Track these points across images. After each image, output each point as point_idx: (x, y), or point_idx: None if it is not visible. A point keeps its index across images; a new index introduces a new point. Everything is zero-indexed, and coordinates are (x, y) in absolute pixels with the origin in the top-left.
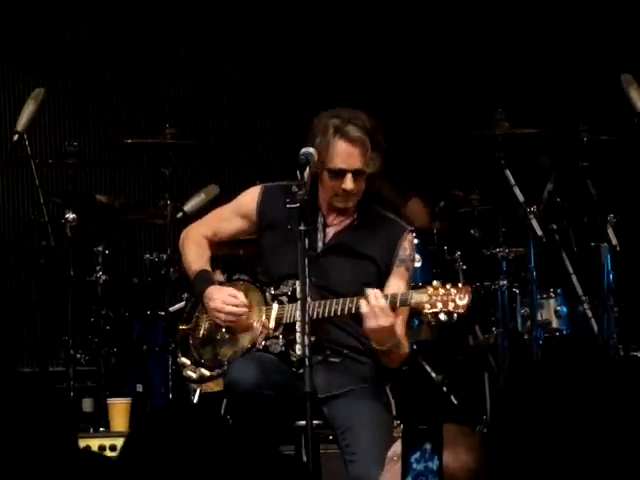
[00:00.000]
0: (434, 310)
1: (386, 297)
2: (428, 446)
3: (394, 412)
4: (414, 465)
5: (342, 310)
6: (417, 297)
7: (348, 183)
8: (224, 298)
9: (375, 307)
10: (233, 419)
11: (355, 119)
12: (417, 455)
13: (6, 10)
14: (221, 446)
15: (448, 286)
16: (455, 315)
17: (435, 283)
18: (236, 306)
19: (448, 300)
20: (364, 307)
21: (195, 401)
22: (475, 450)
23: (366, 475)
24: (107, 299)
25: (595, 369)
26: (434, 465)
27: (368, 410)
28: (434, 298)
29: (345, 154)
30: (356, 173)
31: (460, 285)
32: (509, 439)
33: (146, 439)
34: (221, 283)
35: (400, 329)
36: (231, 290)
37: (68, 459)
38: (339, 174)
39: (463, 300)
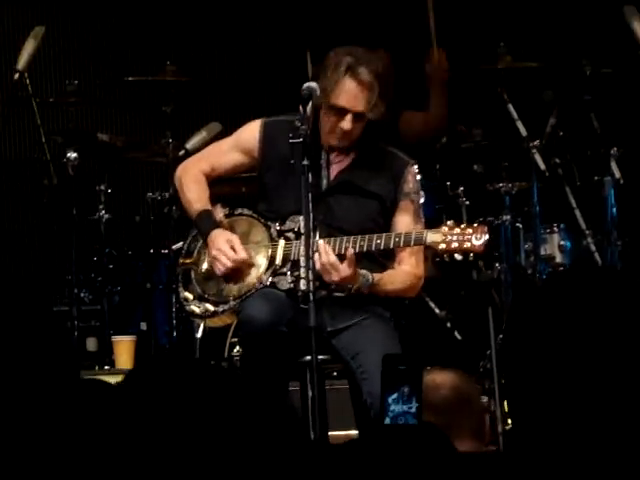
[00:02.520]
0: (449, 249)
1: (400, 236)
2: (406, 389)
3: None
4: (392, 406)
5: (353, 249)
6: (432, 237)
7: (346, 123)
8: (225, 250)
9: (325, 264)
10: (246, 355)
11: (369, 62)
12: (395, 396)
13: None
14: (224, 393)
15: (463, 225)
16: (471, 255)
17: (450, 223)
18: (232, 260)
19: (464, 240)
20: (317, 264)
21: (199, 336)
22: (459, 373)
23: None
24: (110, 238)
25: (600, 294)
26: (413, 407)
27: (376, 333)
28: (449, 237)
29: (351, 94)
30: (357, 116)
31: (476, 225)
32: (519, 367)
33: (149, 375)
34: (220, 221)
35: (412, 263)
36: (233, 241)
37: (70, 388)
38: (340, 112)
39: (480, 240)
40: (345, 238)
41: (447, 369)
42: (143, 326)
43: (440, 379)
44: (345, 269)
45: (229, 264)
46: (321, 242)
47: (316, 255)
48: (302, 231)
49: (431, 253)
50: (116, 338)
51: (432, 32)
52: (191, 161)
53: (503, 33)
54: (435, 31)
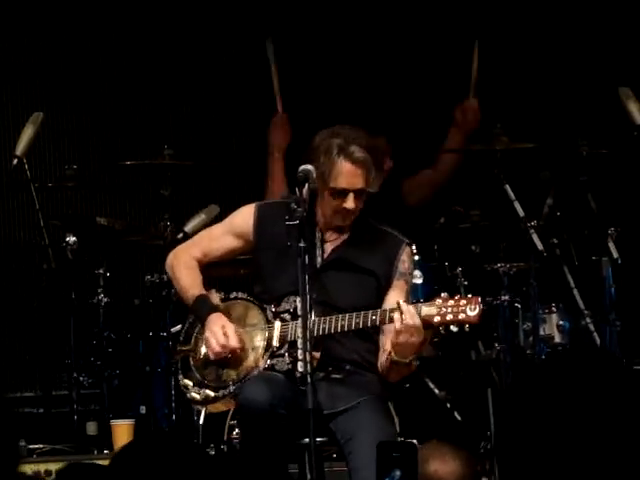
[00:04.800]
0: (444, 321)
1: (394, 310)
2: (397, 473)
3: (398, 429)
4: None
5: (349, 326)
6: (426, 310)
7: (350, 202)
8: (218, 334)
9: (411, 326)
10: (245, 439)
11: (357, 138)
12: None
13: (3, 34)
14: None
15: (457, 297)
16: (467, 326)
17: (443, 295)
18: (222, 346)
19: (459, 311)
20: (398, 323)
21: (201, 422)
22: (461, 457)
23: None
24: (109, 321)
25: (597, 377)
26: None
27: (370, 419)
28: (444, 310)
29: (349, 175)
30: (358, 193)
31: (470, 296)
32: (515, 446)
33: (138, 457)
34: (217, 306)
35: None
36: (227, 327)
37: None
38: (341, 193)
39: (474, 310)
40: (340, 316)
41: (445, 448)
42: (142, 409)
43: (442, 471)
44: (423, 333)
45: (218, 349)
46: (404, 304)
47: (396, 315)
48: (298, 312)
49: (430, 334)
50: (114, 422)
51: (473, 80)
52: (182, 248)
53: (499, 114)
54: (476, 79)
